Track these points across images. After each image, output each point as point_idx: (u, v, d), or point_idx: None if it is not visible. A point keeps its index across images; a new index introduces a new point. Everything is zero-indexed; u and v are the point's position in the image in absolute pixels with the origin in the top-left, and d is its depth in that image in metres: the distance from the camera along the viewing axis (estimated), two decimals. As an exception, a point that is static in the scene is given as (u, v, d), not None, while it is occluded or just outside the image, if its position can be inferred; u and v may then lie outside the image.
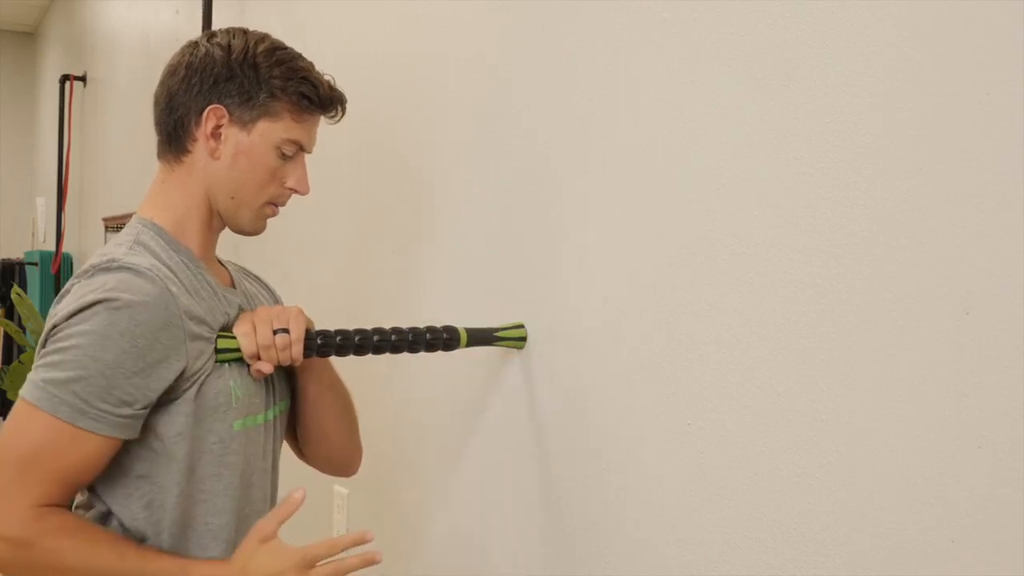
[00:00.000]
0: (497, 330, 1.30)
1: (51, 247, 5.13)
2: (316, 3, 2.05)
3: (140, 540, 1.10)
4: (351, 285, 1.88)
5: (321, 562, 1.11)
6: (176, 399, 1.08)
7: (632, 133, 1.11)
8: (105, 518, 1.11)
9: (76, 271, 1.13)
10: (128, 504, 1.10)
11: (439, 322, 1.29)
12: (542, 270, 1.27)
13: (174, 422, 1.09)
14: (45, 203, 5.65)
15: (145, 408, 1.06)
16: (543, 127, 1.27)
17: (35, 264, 5.02)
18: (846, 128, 0.85)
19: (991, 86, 0.73)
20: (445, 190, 1.52)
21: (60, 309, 1.06)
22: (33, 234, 6.19)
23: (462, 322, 1.31)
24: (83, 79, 4.69)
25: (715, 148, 0.99)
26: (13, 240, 6.35)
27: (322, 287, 2.00)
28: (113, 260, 1.08)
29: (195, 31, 2.66)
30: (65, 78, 4.75)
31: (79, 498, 1.13)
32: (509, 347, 1.31)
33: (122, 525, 1.10)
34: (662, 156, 1.07)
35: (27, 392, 1.04)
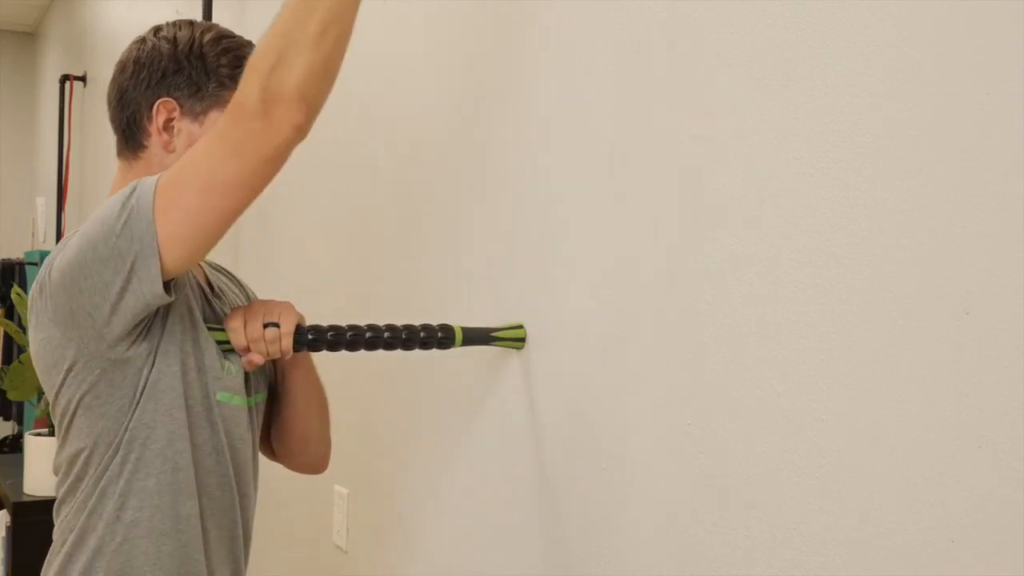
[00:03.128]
0: (495, 330, 1.30)
1: (51, 247, 5.12)
2: (316, 3, 2.05)
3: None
4: (350, 285, 1.88)
5: None
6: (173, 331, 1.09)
7: (632, 133, 1.11)
8: (83, 468, 1.11)
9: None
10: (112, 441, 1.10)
11: (438, 320, 1.29)
12: (542, 270, 1.27)
13: (168, 354, 1.09)
14: (45, 203, 5.65)
15: None
16: (543, 126, 1.27)
17: (35, 264, 5.01)
18: (846, 128, 0.85)
19: (991, 86, 0.73)
20: (444, 190, 1.52)
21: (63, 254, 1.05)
22: (33, 234, 6.18)
23: (461, 322, 1.31)
24: (83, 79, 4.69)
25: (715, 148, 0.99)
26: (13, 240, 6.33)
27: (320, 287, 2.00)
28: None
29: (195, 31, 2.66)
30: (65, 78, 4.74)
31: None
32: (507, 347, 1.31)
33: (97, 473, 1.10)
34: (661, 156, 1.07)
35: (150, 185, 1.01)
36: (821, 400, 0.87)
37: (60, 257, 1.06)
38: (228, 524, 1.18)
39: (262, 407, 1.28)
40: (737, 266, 0.96)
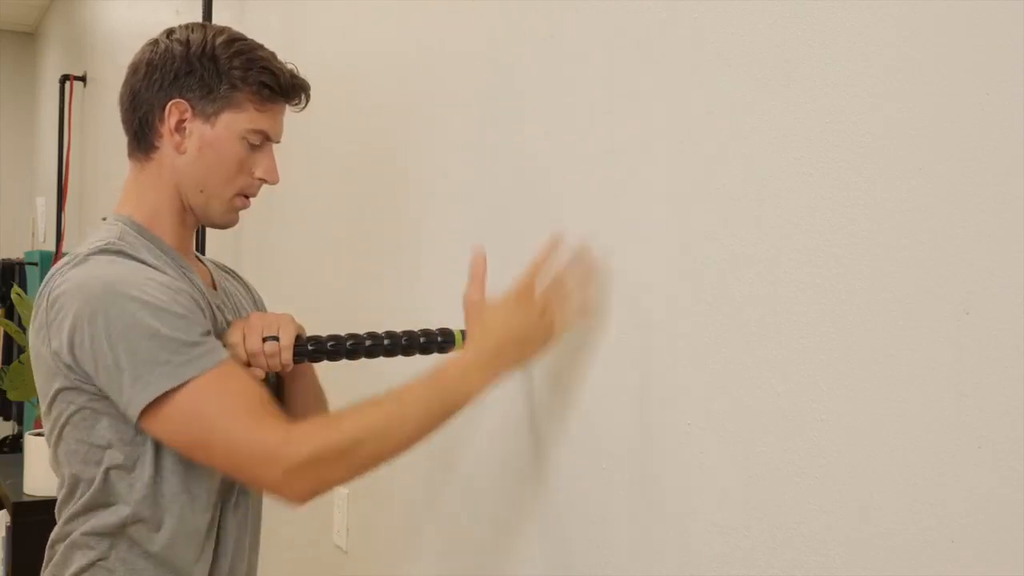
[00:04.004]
0: (497, 330, 1.30)
1: (51, 247, 5.13)
2: (316, 3, 2.05)
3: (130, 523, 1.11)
4: (349, 287, 1.88)
5: (536, 285, 1.13)
6: None
7: (631, 132, 1.11)
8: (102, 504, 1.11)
9: (56, 264, 1.13)
10: (130, 487, 1.10)
11: (438, 324, 1.29)
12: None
13: None
14: (45, 203, 5.65)
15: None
16: (542, 127, 1.27)
17: (35, 264, 5.01)
18: (846, 128, 0.85)
19: (991, 86, 0.73)
20: (444, 190, 1.52)
21: (72, 303, 1.05)
22: (33, 234, 6.18)
23: (461, 324, 1.30)
24: (83, 79, 4.69)
25: (715, 148, 0.99)
26: (13, 240, 6.33)
27: (319, 289, 2.00)
28: (110, 243, 1.09)
29: (195, 31, 2.66)
30: (65, 78, 4.74)
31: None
32: (509, 347, 1.31)
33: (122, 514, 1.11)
34: (661, 156, 1.07)
35: (165, 383, 1.03)
36: (821, 400, 0.87)
37: (87, 318, 1.05)
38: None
39: None
40: (737, 266, 0.96)
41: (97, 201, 4.34)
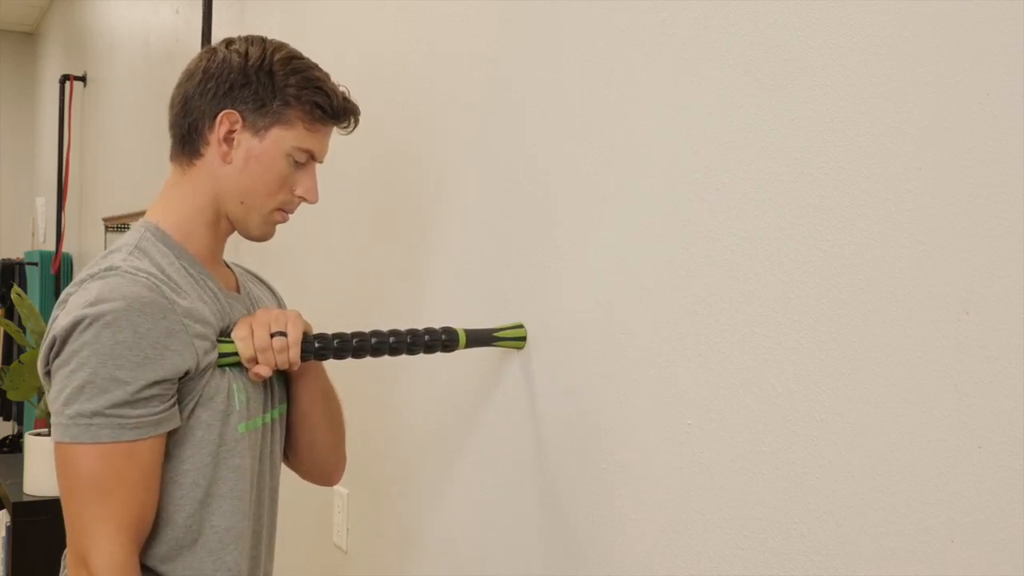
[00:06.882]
0: (496, 331, 1.30)
1: (51, 247, 5.13)
2: (316, 3, 2.05)
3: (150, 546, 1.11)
4: (351, 287, 1.88)
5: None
6: (183, 401, 1.09)
7: (632, 133, 1.11)
8: None
9: (76, 275, 1.12)
10: None
11: (440, 323, 1.29)
12: (542, 270, 1.27)
13: (181, 425, 1.09)
14: (45, 203, 5.65)
15: (174, 396, 1.07)
16: (543, 127, 1.27)
17: (35, 264, 5.01)
18: (846, 128, 0.85)
19: (991, 86, 0.73)
20: (445, 191, 1.52)
21: (59, 323, 1.06)
22: (33, 234, 6.18)
23: (463, 323, 1.31)
24: (83, 79, 4.69)
25: (715, 148, 0.99)
26: (13, 240, 6.34)
27: (322, 289, 2.00)
28: (110, 268, 1.08)
29: (195, 31, 2.66)
30: (65, 78, 4.74)
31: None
32: (509, 347, 1.31)
33: None
34: (662, 156, 1.07)
35: (62, 434, 1.04)
36: (821, 400, 0.87)
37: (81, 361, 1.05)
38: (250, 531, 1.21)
39: (283, 420, 1.28)
40: (736, 266, 0.97)
41: (97, 201, 4.34)
